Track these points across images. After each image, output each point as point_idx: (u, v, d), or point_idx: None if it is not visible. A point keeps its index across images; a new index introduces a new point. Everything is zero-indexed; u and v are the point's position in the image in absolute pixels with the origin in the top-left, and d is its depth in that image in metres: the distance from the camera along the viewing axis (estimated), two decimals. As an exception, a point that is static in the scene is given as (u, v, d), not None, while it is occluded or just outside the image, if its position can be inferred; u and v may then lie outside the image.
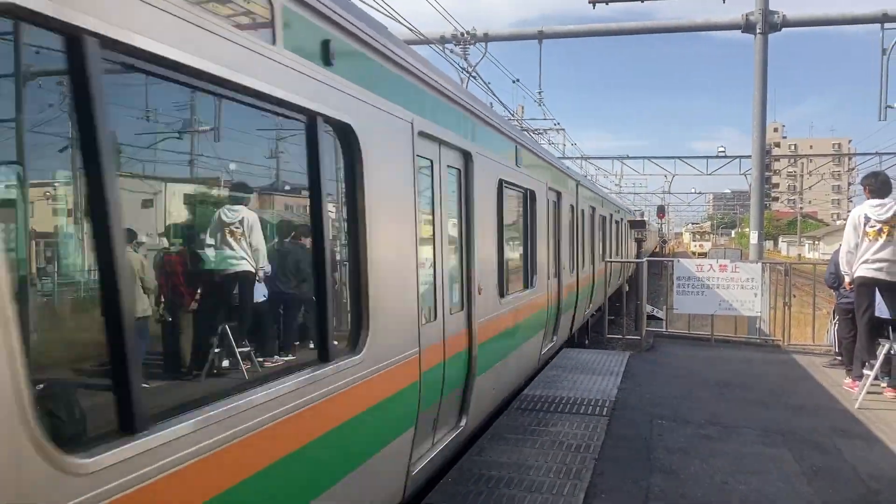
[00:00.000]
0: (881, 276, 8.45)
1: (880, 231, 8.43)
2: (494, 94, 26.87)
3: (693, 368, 10.88)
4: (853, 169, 62.86)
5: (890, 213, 8.41)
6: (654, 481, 5.95)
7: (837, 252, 9.60)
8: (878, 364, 8.62)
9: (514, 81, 20.44)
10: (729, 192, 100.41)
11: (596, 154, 76.20)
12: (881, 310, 8.63)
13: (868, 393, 8.61)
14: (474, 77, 17.72)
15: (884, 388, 8.97)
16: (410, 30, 14.90)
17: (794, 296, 16.79)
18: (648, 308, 16.03)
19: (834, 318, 11.35)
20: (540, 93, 20.87)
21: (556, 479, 5.89)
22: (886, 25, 15.79)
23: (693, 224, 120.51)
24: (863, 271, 8.57)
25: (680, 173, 46.32)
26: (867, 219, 8.55)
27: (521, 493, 5.58)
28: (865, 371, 8.82)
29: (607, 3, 15.30)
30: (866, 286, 8.62)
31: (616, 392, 9.02)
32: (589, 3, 15.18)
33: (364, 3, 10.23)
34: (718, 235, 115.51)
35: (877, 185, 8.76)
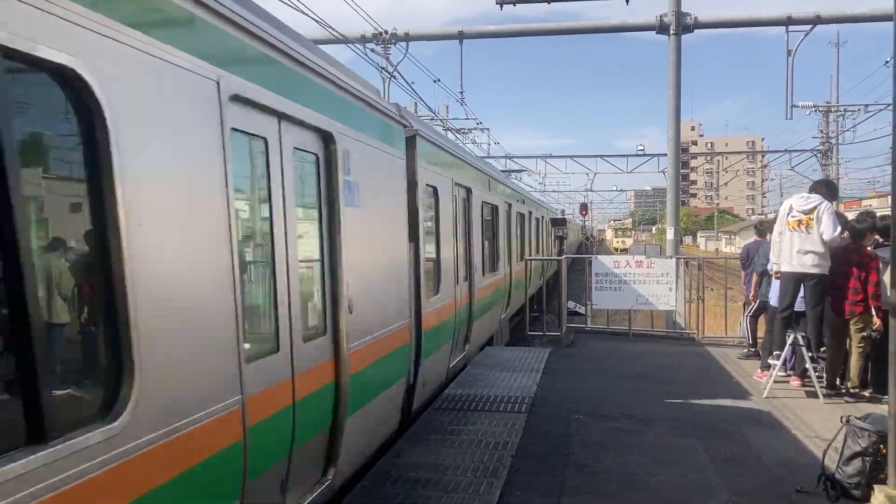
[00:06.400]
0: (803, 269, 8.65)
1: (800, 222, 8.66)
2: (418, 95, 26.76)
3: (611, 363, 11.09)
4: (765, 166, 65.21)
5: (810, 206, 8.64)
6: (568, 476, 6.03)
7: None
8: (783, 353, 8.93)
9: (434, 81, 20.42)
10: (650, 189, 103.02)
11: (523, 153, 77.71)
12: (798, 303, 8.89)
13: (776, 382, 8.93)
14: (395, 77, 17.64)
15: (790, 376, 9.33)
16: (320, 24, 14.57)
17: (711, 289, 17.34)
18: (571, 304, 16.28)
19: (746, 311, 11.74)
20: (461, 93, 20.96)
21: (473, 478, 5.90)
22: (791, 28, 16.47)
23: (615, 221, 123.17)
24: (786, 266, 8.79)
25: (602, 171, 47.22)
26: (790, 209, 8.81)
27: (438, 494, 5.57)
28: (772, 361, 9.12)
29: (514, 5, 15.42)
30: (789, 280, 8.84)
31: (535, 389, 9.11)
32: (496, 3, 15.28)
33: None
34: (640, 231, 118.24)
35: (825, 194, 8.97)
